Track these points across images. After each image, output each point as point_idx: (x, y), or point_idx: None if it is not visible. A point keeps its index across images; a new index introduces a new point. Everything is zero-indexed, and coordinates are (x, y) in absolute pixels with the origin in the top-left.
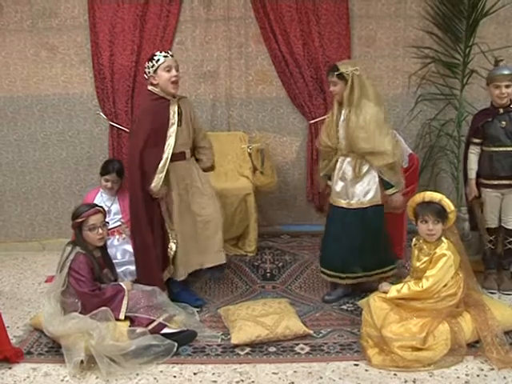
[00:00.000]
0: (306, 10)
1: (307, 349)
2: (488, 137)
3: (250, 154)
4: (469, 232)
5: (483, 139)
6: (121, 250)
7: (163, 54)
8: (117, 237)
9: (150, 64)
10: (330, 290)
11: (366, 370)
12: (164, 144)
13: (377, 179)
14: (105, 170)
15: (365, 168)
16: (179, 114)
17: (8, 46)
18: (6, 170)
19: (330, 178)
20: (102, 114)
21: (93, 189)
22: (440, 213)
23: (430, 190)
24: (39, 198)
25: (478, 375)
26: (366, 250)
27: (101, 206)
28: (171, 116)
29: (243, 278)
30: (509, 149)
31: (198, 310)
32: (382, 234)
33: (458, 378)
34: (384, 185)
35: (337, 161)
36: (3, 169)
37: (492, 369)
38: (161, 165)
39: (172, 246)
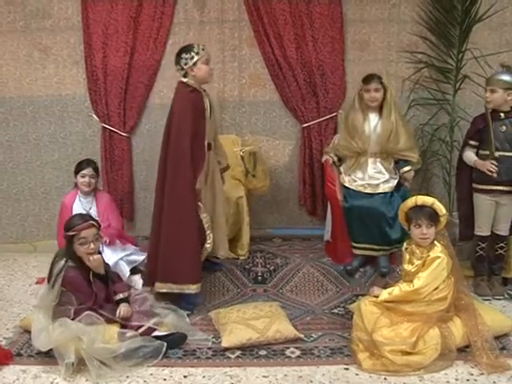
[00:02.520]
0: (299, 13)
1: (298, 352)
2: (485, 140)
3: (242, 158)
4: None
5: (480, 143)
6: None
7: (201, 47)
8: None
9: (189, 56)
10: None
11: (357, 374)
12: (204, 135)
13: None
14: (80, 167)
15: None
16: (210, 107)
17: (0, 47)
18: None
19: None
20: (94, 115)
21: (70, 192)
22: (433, 216)
23: (422, 195)
24: (30, 200)
25: (467, 380)
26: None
27: (95, 220)
28: (206, 107)
29: (234, 281)
30: (507, 154)
31: (188, 312)
32: None
33: (448, 382)
34: (400, 166)
35: (366, 161)
36: None
37: (482, 373)
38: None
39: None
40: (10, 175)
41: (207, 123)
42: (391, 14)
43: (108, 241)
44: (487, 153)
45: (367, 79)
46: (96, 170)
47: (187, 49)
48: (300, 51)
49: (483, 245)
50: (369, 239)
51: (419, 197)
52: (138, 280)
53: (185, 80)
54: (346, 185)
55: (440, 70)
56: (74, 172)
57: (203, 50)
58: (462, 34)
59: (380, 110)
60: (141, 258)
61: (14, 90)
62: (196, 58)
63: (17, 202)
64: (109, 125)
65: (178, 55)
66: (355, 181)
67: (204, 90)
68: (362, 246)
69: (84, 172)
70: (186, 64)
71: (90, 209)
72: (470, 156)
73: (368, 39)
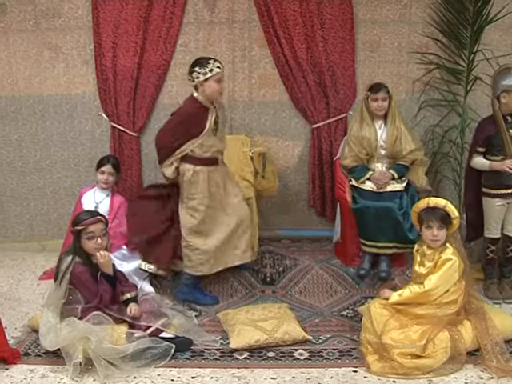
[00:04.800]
0: (310, 14)
1: (306, 354)
2: (495, 145)
3: (251, 158)
4: None
5: (488, 149)
6: (119, 254)
7: (216, 64)
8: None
9: (202, 71)
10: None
11: (365, 377)
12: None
13: None
14: (100, 163)
15: None
16: (216, 123)
17: (11, 46)
18: (6, 170)
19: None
20: (103, 115)
21: (88, 186)
22: (444, 218)
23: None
24: (39, 199)
25: (477, 383)
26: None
27: (103, 216)
28: (207, 124)
29: (243, 283)
30: None
31: (196, 314)
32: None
33: None
34: (397, 171)
35: (373, 166)
36: (4, 168)
37: (491, 377)
38: (175, 153)
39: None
40: (19, 174)
41: (211, 139)
42: (402, 14)
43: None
44: (499, 158)
45: (375, 89)
46: (115, 166)
47: (202, 63)
48: (310, 52)
49: (493, 247)
50: (381, 237)
51: (432, 198)
52: (146, 284)
53: (195, 95)
54: (356, 184)
55: (451, 71)
56: (95, 168)
57: (218, 67)
58: (474, 36)
59: (384, 117)
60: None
61: (24, 89)
62: (208, 75)
63: (26, 201)
64: (118, 124)
65: (192, 66)
66: (364, 182)
67: (214, 106)
68: (372, 243)
69: (103, 169)
70: (197, 78)
71: (101, 202)
72: (482, 161)
73: (379, 40)
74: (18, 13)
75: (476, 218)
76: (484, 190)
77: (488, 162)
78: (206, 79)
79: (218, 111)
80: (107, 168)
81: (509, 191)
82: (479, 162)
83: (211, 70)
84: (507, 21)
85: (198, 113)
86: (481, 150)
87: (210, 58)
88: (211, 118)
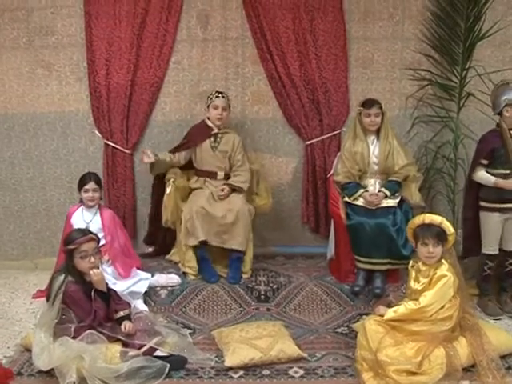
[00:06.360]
0: (303, 31)
1: (301, 372)
2: (498, 158)
3: None
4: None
5: (491, 161)
6: (112, 273)
7: (218, 95)
8: (105, 257)
9: (208, 97)
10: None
11: None
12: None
13: None
14: (82, 182)
15: None
16: (214, 142)
17: (4, 63)
18: None
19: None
20: (97, 132)
21: (75, 205)
22: (440, 235)
23: (429, 213)
24: (32, 217)
25: None
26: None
27: (95, 234)
28: (204, 143)
29: (237, 300)
30: None
31: (190, 331)
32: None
33: None
34: (389, 188)
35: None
36: None
37: None
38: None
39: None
40: (11, 192)
41: (207, 155)
42: (395, 31)
43: (111, 260)
44: (504, 172)
45: (368, 104)
46: (98, 182)
47: (211, 92)
48: (303, 69)
49: (491, 264)
50: (375, 253)
51: (427, 215)
52: (139, 303)
53: (206, 119)
54: (349, 201)
55: (444, 87)
56: (77, 187)
57: (217, 97)
58: (466, 52)
59: (377, 132)
60: (145, 285)
61: (17, 107)
62: (209, 103)
63: (18, 218)
64: (111, 141)
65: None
66: (357, 199)
67: (219, 129)
68: (366, 260)
69: (87, 187)
70: (206, 103)
71: (91, 221)
72: (486, 176)
73: (371, 57)
74: (11, 30)
75: (474, 233)
76: (482, 203)
77: (493, 178)
78: (208, 106)
79: (221, 136)
80: (91, 185)
81: (508, 205)
82: (483, 176)
83: (211, 99)
84: (499, 37)
85: (202, 131)
86: (484, 162)
87: (217, 91)
88: (210, 139)
